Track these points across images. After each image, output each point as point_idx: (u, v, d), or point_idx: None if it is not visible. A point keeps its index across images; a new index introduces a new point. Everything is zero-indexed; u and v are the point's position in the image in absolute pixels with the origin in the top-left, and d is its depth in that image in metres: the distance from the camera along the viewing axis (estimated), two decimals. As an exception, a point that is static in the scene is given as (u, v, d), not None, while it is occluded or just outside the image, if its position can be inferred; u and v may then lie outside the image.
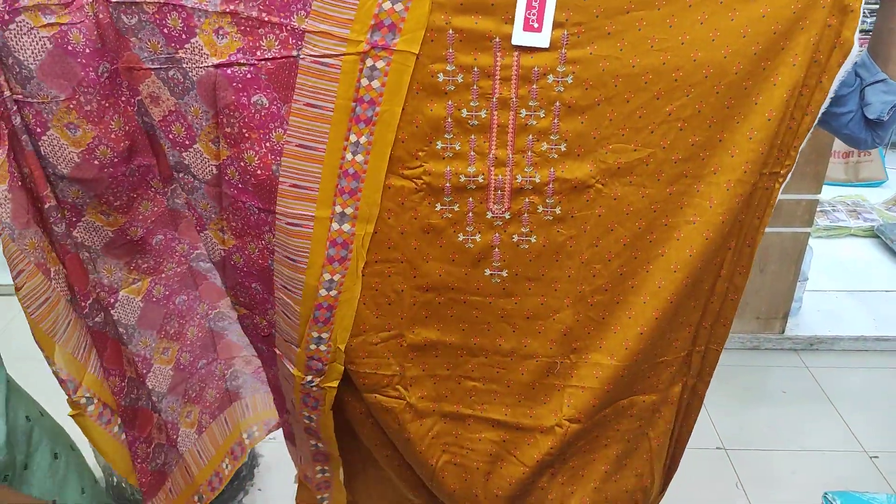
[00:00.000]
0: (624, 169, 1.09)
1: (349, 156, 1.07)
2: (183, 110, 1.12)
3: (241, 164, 1.11)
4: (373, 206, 1.11)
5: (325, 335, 1.20)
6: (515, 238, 1.14)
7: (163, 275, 1.34)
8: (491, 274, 1.17)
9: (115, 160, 1.14)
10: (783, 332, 2.90)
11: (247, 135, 1.10)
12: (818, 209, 3.71)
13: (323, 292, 1.16)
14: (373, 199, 1.10)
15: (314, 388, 1.25)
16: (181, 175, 1.20)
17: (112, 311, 1.27)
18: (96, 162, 1.11)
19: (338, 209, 1.11)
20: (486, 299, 1.19)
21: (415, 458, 1.32)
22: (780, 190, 1.14)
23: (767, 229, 1.24)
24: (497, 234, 1.14)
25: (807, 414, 2.63)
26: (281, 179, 1.09)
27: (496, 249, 1.15)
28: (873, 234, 3.69)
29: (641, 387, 1.27)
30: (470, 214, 1.13)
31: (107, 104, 1.10)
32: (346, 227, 1.12)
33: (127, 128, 1.13)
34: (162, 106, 1.13)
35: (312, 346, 1.21)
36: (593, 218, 1.13)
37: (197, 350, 1.46)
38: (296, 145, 1.07)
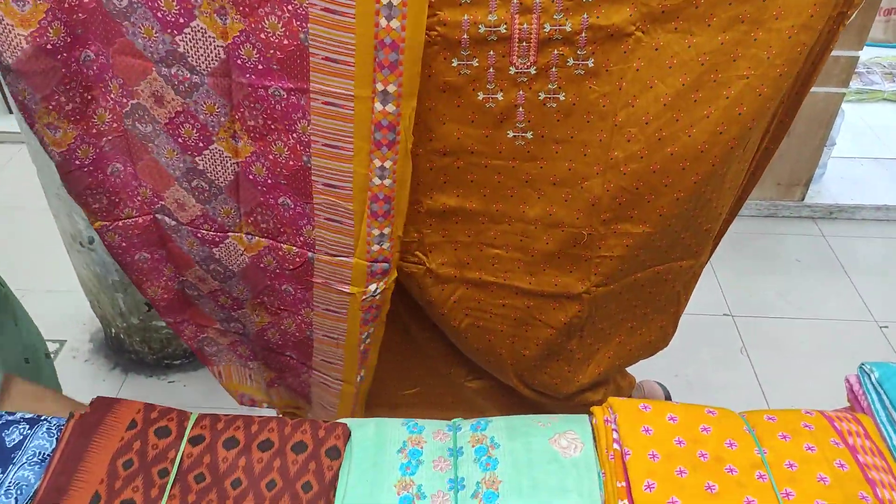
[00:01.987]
0: (669, 12, 0.95)
1: (384, 21, 0.91)
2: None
3: (262, 35, 0.95)
4: (415, 79, 0.96)
5: (386, 230, 1.08)
6: (542, 96, 1.03)
7: (119, 222, 1.17)
8: (514, 136, 1.07)
9: (69, 40, 0.97)
10: (803, 199, 2.77)
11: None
12: (852, 70, 3.47)
13: (377, 181, 1.03)
14: (415, 70, 0.96)
15: (378, 297, 1.15)
16: (173, 71, 1.01)
17: None
18: (49, 46, 0.95)
19: (379, 87, 0.96)
20: (508, 163, 1.09)
21: (438, 319, 1.29)
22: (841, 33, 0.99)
23: None
24: (521, 92, 1.03)
25: (819, 283, 2.57)
26: (311, 51, 0.94)
27: (520, 109, 1.04)
28: (908, 97, 3.46)
29: (680, 254, 1.21)
30: (491, 70, 1.01)
31: None
32: (391, 107, 0.97)
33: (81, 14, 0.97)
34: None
35: (375, 248, 1.10)
36: (630, 72, 1.00)
37: (163, 307, 1.33)
38: (321, 9, 0.91)
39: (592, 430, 0.95)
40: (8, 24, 0.91)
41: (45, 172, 1.81)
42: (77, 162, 1.07)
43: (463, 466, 0.91)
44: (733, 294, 2.50)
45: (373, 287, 1.14)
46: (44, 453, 0.90)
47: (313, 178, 1.05)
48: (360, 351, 1.26)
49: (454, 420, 0.99)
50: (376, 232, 1.08)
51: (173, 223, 1.18)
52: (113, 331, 2.14)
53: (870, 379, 0.99)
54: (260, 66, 0.97)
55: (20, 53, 0.93)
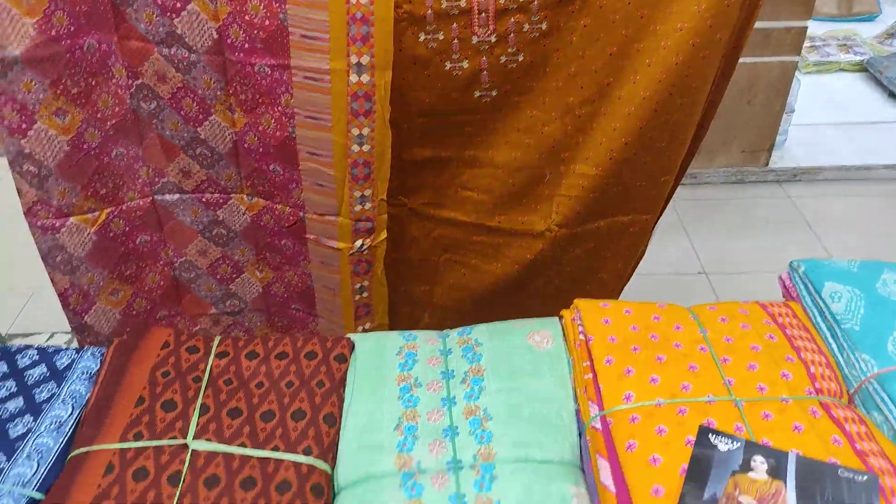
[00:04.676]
0: None
1: None
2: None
3: (246, 17, 1.05)
4: (388, 52, 1.07)
5: (367, 192, 1.18)
6: (503, 59, 1.14)
7: (123, 206, 1.25)
8: (480, 95, 1.18)
9: (72, 28, 1.06)
10: (767, 163, 2.94)
11: None
12: (809, 45, 3.65)
13: (355, 148, 1.13)
14: (386, 43, 1.06)
15: (365, 252, 1.26)
16: (174, 51, 1.11)
17: (56, 236, 1.20)
18: (53, 32, 1.04)
19: (353, 59, 1.06)
20: (477, 117, 1.22)
21: (419, 256, 1.41)
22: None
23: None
24: (484, 58, 1.14)
25: (788, 241, 2.73)
26: (290, 30, 1.05)
27: (484, 73, 1.16)
28: (863, 68, 3.64)
29: (643, 206, 1.33)
30: (455, 41, 1.12)
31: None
32: (365, 77, 1.07)
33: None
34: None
35: (357, 208, 1.20)
36: (579, 29, 1.12)
37: (156, 299, 1.38)
38: None
39: (562, 328, 1.11)
40: (15, 14, 1.00)
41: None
42: (85, 146, 1.16)
43: (452, 361, 1.06)
44: (706, 254, 2.66)
45: (359, 243, 1.25)
46: (91, 371, 1.04)
47: (298, 146, 1.16)
48: (356, 302, 1.38)
49: (444, 330, 1.14)
50: (358, 194, 1.19)
51: (175, 197, 1.28)
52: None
53: (797, 273, 1.15)
54: (247, 45, 1.08)
55: (28, 42, 1.02)
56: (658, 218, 1.40)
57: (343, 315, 1.43)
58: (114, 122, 1.18)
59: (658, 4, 1.10)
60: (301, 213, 1.25)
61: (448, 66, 1.15)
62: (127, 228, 1.29)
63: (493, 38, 1.12)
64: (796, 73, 2.77)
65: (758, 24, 1.17)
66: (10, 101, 1.06)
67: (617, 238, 1.38)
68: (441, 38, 1.12)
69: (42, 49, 1.04)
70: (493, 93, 1.19)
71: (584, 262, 1.42)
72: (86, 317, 1.32)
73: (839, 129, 3.22)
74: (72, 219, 1.20)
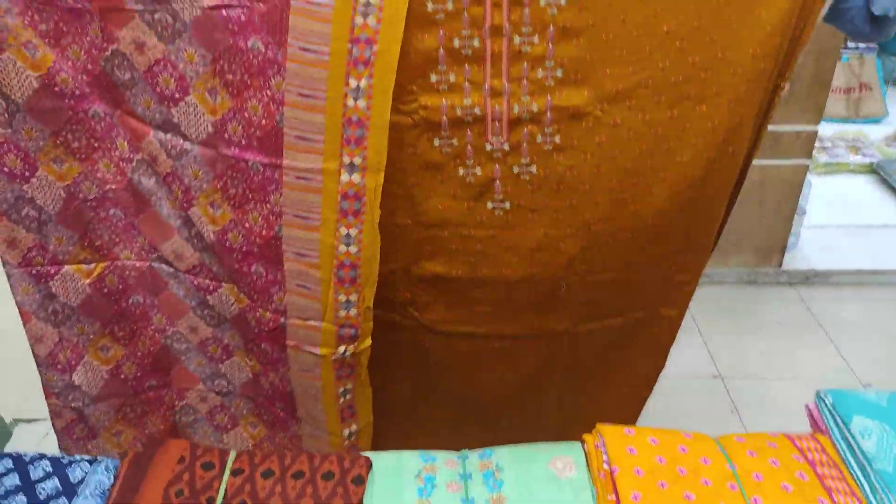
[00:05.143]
0: (622, 93, 1.08)
1: (351, 102, 1.03)
2: (173, 57, 1.04)
3: (245, 114, 1.06)
4: (381, 154, 1.07)
5: (353, 297, 1.16)
6: (516, 169, 1.15)
7: (118, 262, 1.24)
8: (493, 207, 1.18)
9: (76, 92, 1.07)
10: (780, 265, 2.95)
11: (248, 82, 1.03)
12: (819, 146, 3.72)
13: (342, 248, 1.12)
14: (380, 146, 1.06)
15: (348, 357, 1.22)
16: (168, 137, 1.11)
17: (49, 283, 1.20)
18: (56, 88, 1.06)
19: (346, 159, 1.06)
20: (489, 232, 1.20)
21: (433, 366, 1.39)
22: (781, 99, 1.13)
23: (767, 162, 1.27)
24: (497, 167, 1.15)
25: (802, 345, 2.70)
26: (285, 130, 1.06)
27: (497, 182, 1.16)
28: (872, 170, 3.71)
29: (664, 301, 1.34)
30: (469, 148, 1.13)
31: (65, 28, 1.04)
32: (356, 177, 1.07)
33: (89, 66, 1.07)
34: (147, 54, 1.05)
35: (342, 313, 1.17)
36: (593, 146, 1.12)
37: (147, 367, 1.35)
38: (296, 94, 1.03)
39: (584, 454, 1.08)
40: (20, 66, 1.03)
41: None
42: (81, 195, 1.16)
43: (473, 488, 1.03)
44: (721, 357, 2.63)
45: (342, 349, 1.21)
46: (104, 488, 1.02)
47: (284, 246, 1.14)
48: (340, 405, 1.31)
49: (462, 451, 1.12)
50: (343, 298, 1.15)
51: (171, 270, 1.26)
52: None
53: (825, 404, 1.13)
54: (243, 142, 1.08)
55: (31, 92, 1.05)
56: (679, 314, 1.38)
57: (327, 420, 1.37)
58: (113, 187, 1.19)
59: (672, 122, 1.11)
60: (282, 319, 1.22)
61: (461, 171, 1.15)
62: (121, 286, 1.27)
63: (506, 147, 1.13)
64: (807, 175, 2.82)
65: (769, 128, 1.19)
66: (13, 148, 1.08)
67: (635, 332, 1.37)
68: (455, 143, 1.13)
69: (45, 100, 1.07)
70: (506, 205, 1.18)
71: (602, 354, 1.40)
72: (73, 375, 1.28)
73: (850, 232, 3.24)
74: (67, 267, 1.20)
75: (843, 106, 4.16)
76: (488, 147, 1.13)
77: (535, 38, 1.05)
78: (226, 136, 1.08)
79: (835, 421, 1.10)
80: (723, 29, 1.04)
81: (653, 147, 1.13)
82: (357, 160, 1.06)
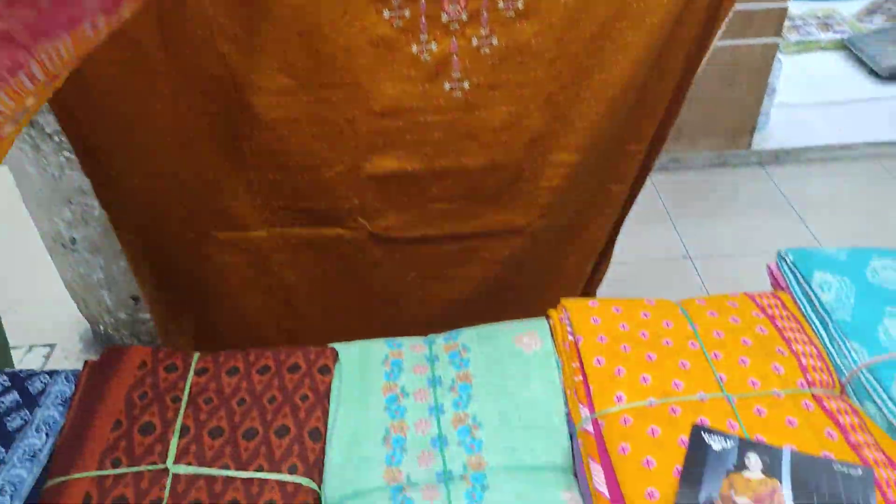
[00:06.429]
0: None
1: None
2: None
3: None
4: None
5: None
6: (475, 42, 1.05)
7: None
8: (451, 88, 1.08)
9: None
10: (750, 146, 2.93)
11: None
12: (790, 24, 3.63)
13: None
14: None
15: None
16: None
17: None
18: None
19: None
20: (447, 116, 1.11)
21: (382, 282, 1.31)
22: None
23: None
24: (454, 40, 1.04)
25: (772, 223, 2.72)
26: None
27: (455, 57, 1.06)
28: (843, 46, 3.64)
29: (613, 176, 1.28)
30: (423, 19, 1.02)
31: None
32: None
33: None
34: None
35: None
36: (559, 9, 1.03)
37: None
38: None
39: (549, 328, 1.08)
40: None
41: (22, 180, 1.88)
42: None
43: (439, 368, 1.03)
44: (691, 238, 2.65)
45: None
46: (65, 396, 1.01)
47: None
48: None
49: (429, 335, 1.11)
50: None
51: None
52: (101, 328, 2.21)
53: (786, 262, 1.13)
54: None
55: None
56: (631, 193, 1.34)
57: None
58: None
59: None
60: None
61: (415, 48, 1.05)
62: None
63: (463, 16, 1.03)
64: (777, 54, 2.76)
65: (739, 6, 1.13)
66: None
67: (593, 215, 1.34)
68: (407, 15, 1.02)
69: None
70: (465, 84, 1.09)
71: (559, 246, 1.37)
72: None
73: (820, 109, 3.21)
74: None
75: (813, -19, 4.03)
76: (444, 17, 1.03)
77: None
78: None
79: (795, 277, 1.11)
80: None
81: (621, 9, 1.05)
82: None
